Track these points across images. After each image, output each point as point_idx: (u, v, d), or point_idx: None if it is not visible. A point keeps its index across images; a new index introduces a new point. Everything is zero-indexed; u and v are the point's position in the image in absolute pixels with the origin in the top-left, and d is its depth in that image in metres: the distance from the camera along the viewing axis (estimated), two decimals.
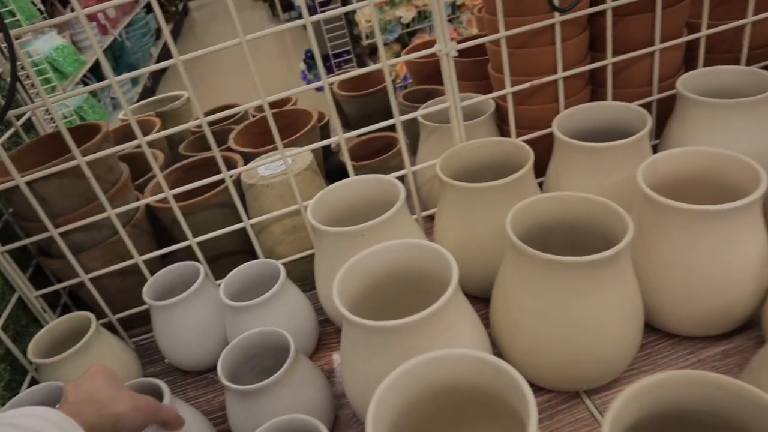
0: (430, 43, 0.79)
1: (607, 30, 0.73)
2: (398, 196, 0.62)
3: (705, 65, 0.79)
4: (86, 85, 2.85)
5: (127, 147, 0.68)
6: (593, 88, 0.81)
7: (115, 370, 0.53)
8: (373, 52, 2.57)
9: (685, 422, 0.40)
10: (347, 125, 1.14)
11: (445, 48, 0.66)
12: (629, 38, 0.76)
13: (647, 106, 0.79)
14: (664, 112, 0.77)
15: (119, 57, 3.83)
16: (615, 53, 0.76)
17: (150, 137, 0.67)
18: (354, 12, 2.54)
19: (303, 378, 0.55)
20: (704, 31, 0.77)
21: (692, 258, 0.55)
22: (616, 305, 0.53)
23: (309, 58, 2.62)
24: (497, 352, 0.60)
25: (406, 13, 2.40)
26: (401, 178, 0.73)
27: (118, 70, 3.39)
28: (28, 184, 0.65)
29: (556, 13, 0.69)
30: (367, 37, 2.55)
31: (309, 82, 1.28)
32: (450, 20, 2.47)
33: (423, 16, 2.43)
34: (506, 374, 0.40)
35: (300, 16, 0.71)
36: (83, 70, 2.66)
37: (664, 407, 0.39)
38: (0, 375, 0.66)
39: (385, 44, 2.49)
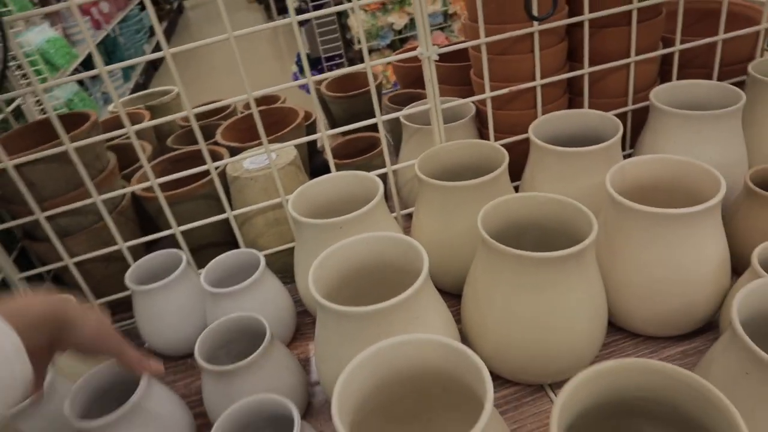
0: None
1: (584, 41, 0.76)
2: (377, 192, 0.64)
3: (678, 79, 0.82)
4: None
5: (114, 135, 0.70)
6: (571, 96, 0.84)
7: None
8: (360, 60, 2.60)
9: (634, 409, 0.43)
10: (334, 125, 1.16)
11: (427, 51, 0.69)
12: (606, 50, 0.79)
13: (623, 116, 0.82)
14: (640, 123, 0.80)
15: (112, 53, 3.83)
16: (592, 64, 0.79)
17: (138, 126, 0.69)
18: (347, 17, 2.57)
19: (278, 362, 0.56)
20: (678, 46, 0.81)
21: (654, 259, 0.58)
22: (580, 302, 0.55)
23: (301, 60, 2.65)
24: (467, 345, 0.62)
25: (399, 20, 2.43)
26: (383, 177, 0.75)
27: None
28: (16, 167, 0.67)
29: (535, 23, 0.71)
30: (359, 42, 2.58)
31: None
32: (442, 29, 2.50)
33: (415, 23, 2.47)
34: (467, 359, 0.42)
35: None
36: (75, 63, 2.66)
37: (613, 394, 0.41)
38: None
39: (377, 50, 2.52)
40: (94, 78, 2.90)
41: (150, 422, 0.52)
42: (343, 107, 1.09)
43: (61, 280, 0.81)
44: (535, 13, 0.69)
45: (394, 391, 0.47)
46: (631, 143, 0.87)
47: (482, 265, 0.59)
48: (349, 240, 0.58)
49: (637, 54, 0.78)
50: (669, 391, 0.39)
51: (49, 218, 0.71)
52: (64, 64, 2.55)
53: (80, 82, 2.81)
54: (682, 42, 0.81)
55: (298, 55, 2.83)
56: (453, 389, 0.46)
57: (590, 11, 0.74)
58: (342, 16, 2.64)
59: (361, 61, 0.72)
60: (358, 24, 2.49)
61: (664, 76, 0.85)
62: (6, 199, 0.73)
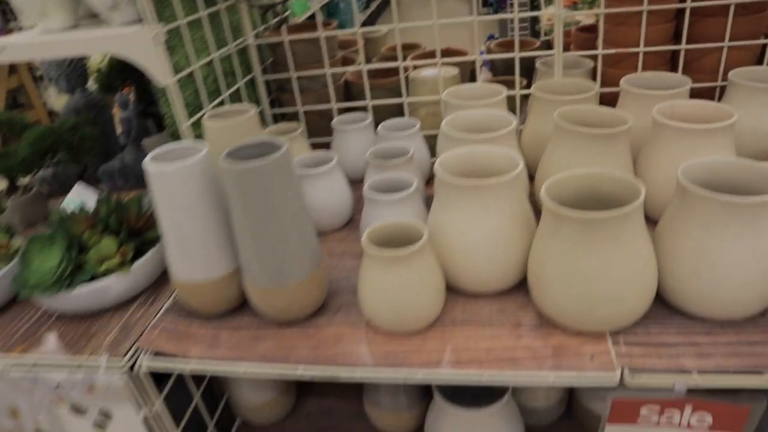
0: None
1: (684, 24, 1.01)
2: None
3: None
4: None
5: (345, 32, 1.11)
6: (672, 70, 1.09)
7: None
8: (549, 46, 2.87)
9: (593, 199, 0.71)
10: (495, 73, 1.50)
11: (558, 11, 1.00)
12: (708, 35, 1.03)
13: (712, 92, 1.06)
14: None
15: (332, 14, 4.49)
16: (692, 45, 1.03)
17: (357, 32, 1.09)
18: (539, 9, 2.85)
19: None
20: None
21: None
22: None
23: (491, 39, 2.99)
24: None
25: (585, 19, 2.66)
26: (513, 99, 1.07)
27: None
28: (290, 42, 1.10)
29: (644, 3, 0.99)
30: (545, 34, 2.85)
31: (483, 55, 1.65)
32: None
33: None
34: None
35: (490, 12, 1.08)
36: (307, 14, 3.28)
37: (583, 190, 0.71)
38: None
39: None
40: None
41: (331, 183, 0.92)
42: (504, 61, 1.43)
43: (291, 120, 1.24)
44: None
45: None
46: None
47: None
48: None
49: (732, 41, 1.01)
50: (609, 185, 0.68)
51: (297, 78, 1.14)
52: (299, 12, 3.16)
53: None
54: None
55: (489, 36, 3.18)
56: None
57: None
58: (534, 10, 2.93)
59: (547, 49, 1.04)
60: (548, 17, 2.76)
61: None
62: (275, 61, 1.17)
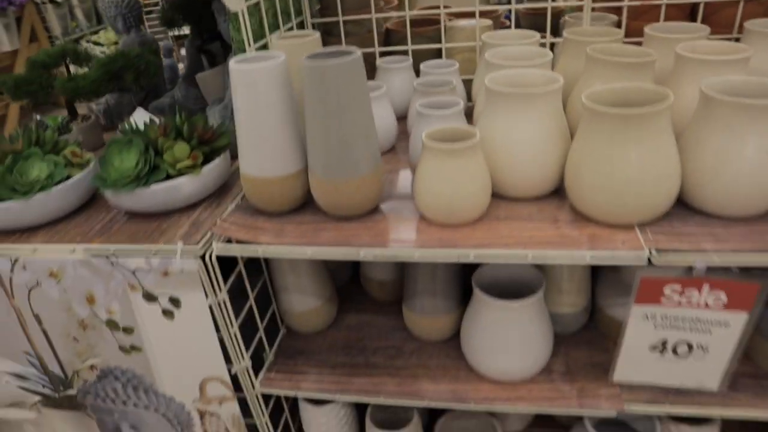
0: None
1: None
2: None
3: None
4: None
5: None
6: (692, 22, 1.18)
7: None
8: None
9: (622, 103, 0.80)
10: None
11: None
12: None
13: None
14: None
15: None
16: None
17: None
18: None
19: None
20: None
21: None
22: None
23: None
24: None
25: None
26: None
27: None
28: None
29: None
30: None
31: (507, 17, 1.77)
32: None
33: None
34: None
35: None
36: None
37: (616, 98, 0.80)
38: None
39: None
40: None
41: (380, 109, 1.01)
42: (530, 19, 1.52)
43: None
44: None
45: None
46: None
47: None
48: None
49: None
50: (639, 96, 0.77)
51: (343, 23, 1.23)
52: None
53: None
54: None
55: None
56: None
57: None
58: None
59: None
60: None
61: None
62: (323, 6, 1.26)
